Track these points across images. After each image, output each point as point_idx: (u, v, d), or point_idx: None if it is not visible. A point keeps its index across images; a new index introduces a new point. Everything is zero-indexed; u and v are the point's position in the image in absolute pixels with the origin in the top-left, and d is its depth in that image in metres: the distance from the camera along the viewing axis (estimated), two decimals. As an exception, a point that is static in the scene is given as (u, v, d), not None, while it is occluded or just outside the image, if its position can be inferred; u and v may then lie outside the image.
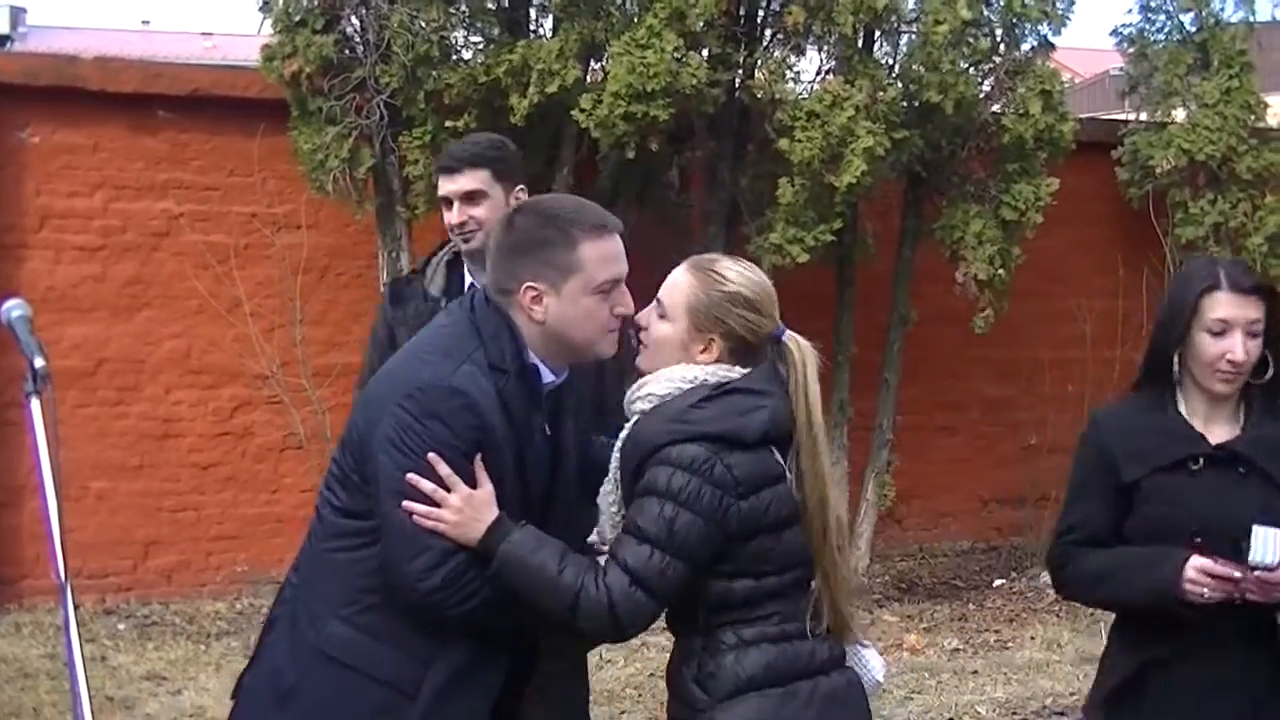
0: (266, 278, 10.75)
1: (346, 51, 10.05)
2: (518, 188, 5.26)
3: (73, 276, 10.57)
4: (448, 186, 5.25)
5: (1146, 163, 11.98)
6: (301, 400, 10.52)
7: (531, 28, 10.48)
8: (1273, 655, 4.17)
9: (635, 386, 3.85)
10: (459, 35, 10.44)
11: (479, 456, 3.66)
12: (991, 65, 10.69)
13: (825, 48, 10.68)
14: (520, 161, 5.50)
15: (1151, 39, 12.14)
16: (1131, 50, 12.25)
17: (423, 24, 9.87)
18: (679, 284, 3.84)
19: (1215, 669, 4.17)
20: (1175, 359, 4.38)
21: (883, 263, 11.17)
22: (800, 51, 10.70)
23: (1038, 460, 12.30)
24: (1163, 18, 12.14)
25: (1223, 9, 12.02)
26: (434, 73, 9.93)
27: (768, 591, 3.71)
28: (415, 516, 3.62)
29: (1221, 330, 4.22)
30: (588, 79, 10.22)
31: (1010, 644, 10.00)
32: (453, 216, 5.22)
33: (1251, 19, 12.18)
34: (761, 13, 10.68)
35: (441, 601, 3.63)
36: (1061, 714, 8.66)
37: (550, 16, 10.33)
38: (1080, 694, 8.81)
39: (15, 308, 3.82)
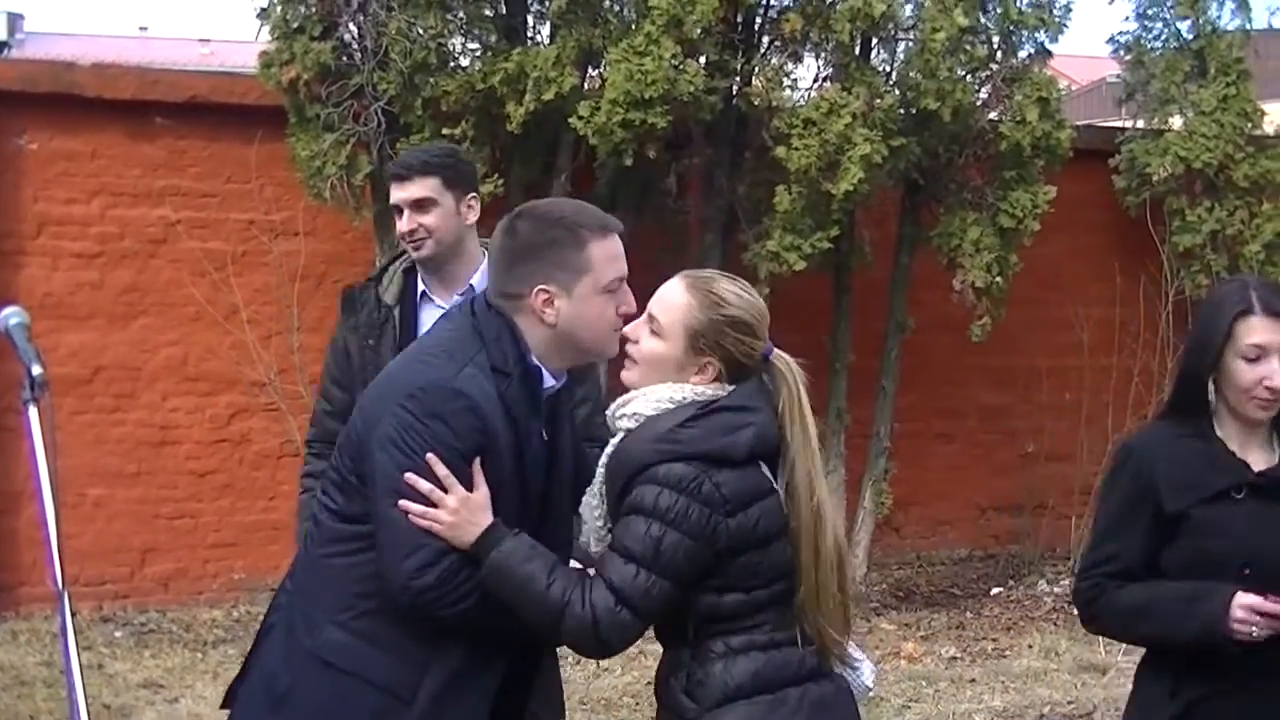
0: (264, 284, 10.75)
1: (344, 58, 10.04)
2: (469, 196, 5.27)
3: (70, 283, 10.56)
4: (398, 194, 5.27)
5: (1143, 170, 11.98)
6: (299, 407, 10.50)
7: (529, 35, 10.48)
8: None
9: (619, 402, 3.84)
10: (456, 42, 10.44)
11: (478, 460, 3.66)
12: (988, 72, 10.70)
13: (822, 55, 10.68)
14: (473, 171, 5.53)
15: (1148, 46, 12.15)
16: (1128, 57, 12.26)
17: (420, 31, 9.87)
18: (677, 303, 3.80)
19: (1263, 704, 4.09)
20: (1209, 385, 4.19)
21: (880, 270, 11.17)
22: (798, 59, 10.71)
23: (1035, 468, 12.32)
24: (1160, 25, 12.15)
25: (1219, 16, 12.04)
26: (431, 80, 9.93)
27: (756, 604, 3.71)
28: (411, 516, 3.62)
29: (1257, 356, 4.09)
30: (585, 86, 10.22)
31: (1008, 652, 9.99)
32: (403, 224, 5.24)
33: (1248, 26, 12.18)
34: (759, 20, 10.69)
35: (434, 601, 3.63)
36: (1059, 722, 8.69)
37: (548, 24, 10.34)
38: (1078, 702, 8.83)
39: (13, 315, 3.82)
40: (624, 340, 3.83)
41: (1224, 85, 11.80)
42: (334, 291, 10.93)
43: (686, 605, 3.67)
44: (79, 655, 3.46)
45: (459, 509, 3.61)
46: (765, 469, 3.73)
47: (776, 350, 3.83)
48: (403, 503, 3.62)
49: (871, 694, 4.05)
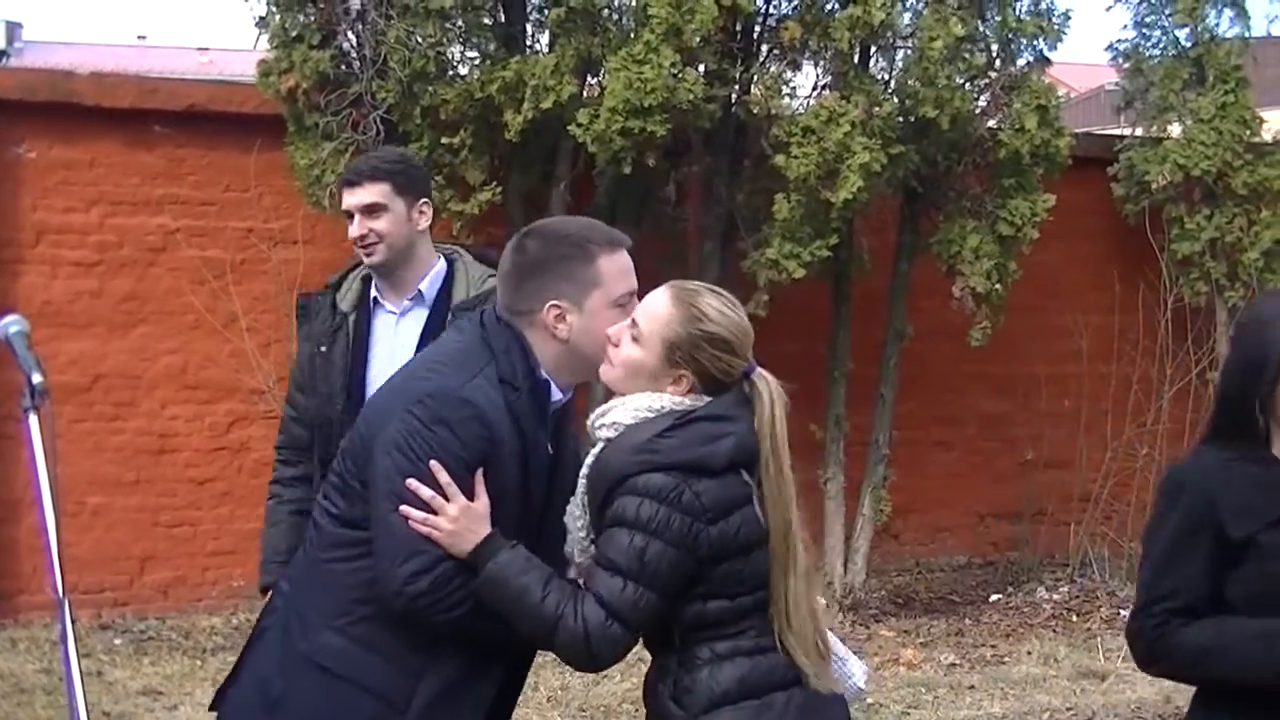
0: (263, 293, 10.76)
1: (343, 67, 10.05)
2: (420, 201, 5.27)
3: (69, 292, 10.56)
4: (348, 200, 5.27)
5: (1142, 178, 12.01)
6: (298, 415, 10.51)
7: (528, 43, 10.48)
8: None
9: (599, 411, 3.84)
10: (455, 51, 10.45)
11: (480, 469, 3.67)
12: (987, 80, 10.71)
13: (821, 63, 10.69)
14: (425, 176, 5.52)
15: (1147, 54, 12.17)
16: (1127, 65, 12.27)
17: (419, 40, 9.88)
18: (659, 314, 3.80)
19: None
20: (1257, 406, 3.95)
21: (879, 278, 11.17)
22: (796, 67, 10.72)
23: (1034, 475, 12.33)
24: (1158, 33, 12.17)
25: (1218, 24, 12.05)
26: (430, 88, 9.94)
27: (741, 610, 3.71)
28: (411, 522, 3.63)
29: None
30: (584, 94, 10.23)
31: (1007, 659, 10.00)
32: (354, 229, 5.25)
33: (1247, 34, 12.19)
34: (758, 28, 10.70)
35: (427, 607, 3.64)
36: (1058, 729, 8.70)
37: (546, 32, 10.34)
38: (1077, 709, 8.83)
39: (13, 323, 3.82)
40: (607, 339, 3.84)
41: (1222, 93, 11.82)
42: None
43: (672, 613, 3.68)
44: (79, 663, 3.46)
45: (459, 518, 3.63)
46: (746, 476, 3.73)
47: (759, 370, 3.82)
48: (403, 508, 3.63)
49: (868, 699, 4.05)
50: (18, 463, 10.04)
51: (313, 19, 10.02)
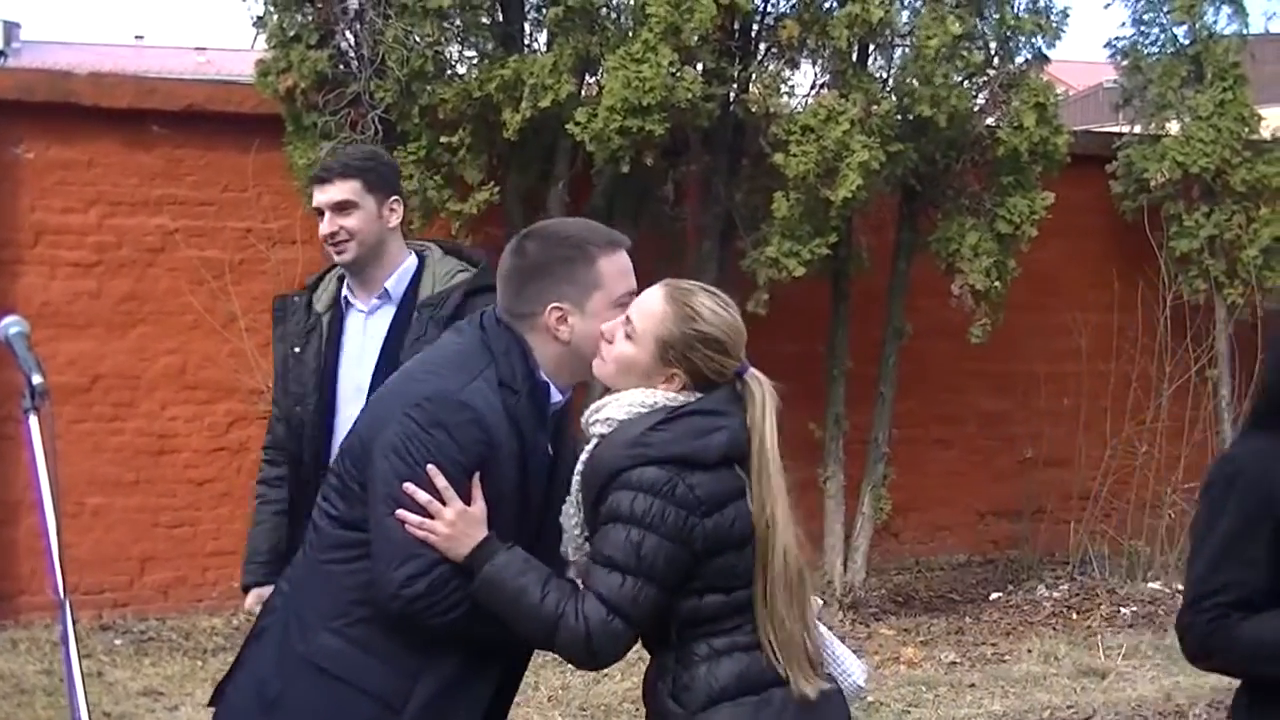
0: (262, 293, 10.74)
1: (341, 67, 10.05)
2: (391, 199, 5.25)
3: (68, 292, 10.56)
4: (319, 197, 5.26)
5: (1141, 175, 12.01)
6: (297, 415, 10.50)
7: (526, 42, 10.48)
8: None
9: (593, 408, 3.84)
10: (453, 50, 10.45)
11: (478, 473, 3.67)
12: (985, 78, 10.71)
13: (819, 61, 10.68)
14: (395, 174, 5.50)
15: (1145, 51, 12.18)
16: (1125, 63, 12.28)
17: (417, 39, 9.88)
18: (652, 311, 3.80)
19: None
20: None
21: (878, 276, 11.17)
22: (795, 65, 10.72)
23: (1034, 473, 12.34)
24: (1156, 30, 12.19)
25: (1216, 21, 12.06)
26: (428, 88, 9.94)
27: (737, 604, 3.71)
28: (407, 526, 3.62)
29: None
30: (582, 93, 10.22)
31: (1007, 657, 9.99)
32: (324, 227, 5.23)
33: (1245, 31, 12.20)
34: (756, 27, 10.70)
35: (424, 610, 3.64)
36: (1059, 727, 8.70)
37: (544, 31, 10.34)
38: (1077, 707, 8.83)
39: (13, 324, 3.82)
40: (602, 335, 3.84)
41: (1221, 90, 11.83)
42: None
43: (669, 609, 3.68)
44: (80, 663, 3.46)
45: (456, 522, 3.62)
46: (739, 470, 3.73)
47: (752, 370, 3.83)
48: (400, 512, 3.63)
49: (868, 697, 4.04)
50: (17, 464, 10.04)
51: (310, 19, 10.02)
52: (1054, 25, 10.76)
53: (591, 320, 3.81)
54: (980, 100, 10.78)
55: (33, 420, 3.57)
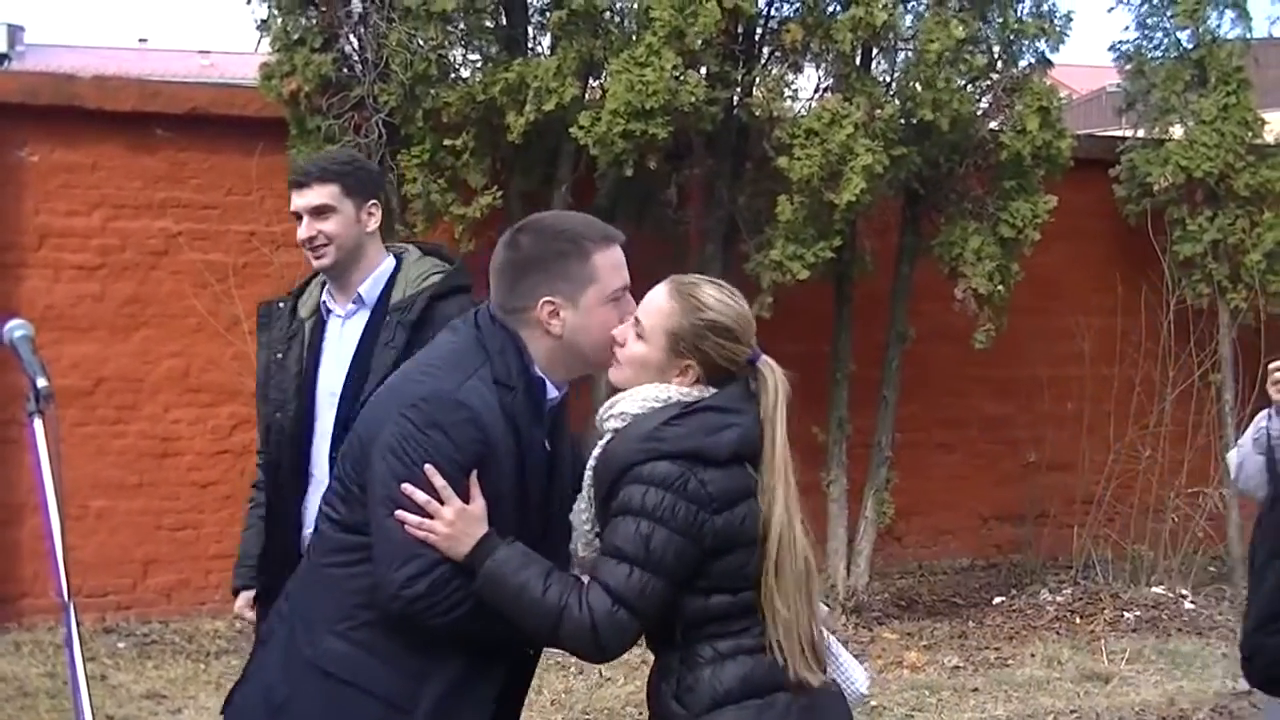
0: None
1: (345, 70, 10.06)
2: (369, 203, 5.21)
3: (71, 295, 10.57)
4: (297, 201, 5.22)
5: (1144, 179, 12.02)
6: (300, 418, 10.50)
7: (529, 46, 10.49)
8: None
9: (607, 404, 3.85)
10: (457, 54, 10.45)
11: (475, 471, 3.66)
12: (989, 82, 10.72)
13: (823, 65, 10.70)
14: (374, 178, 5.47)
15: (1149, 55, 12.18)
16: (1129, 67, 12.29)
17: (421, 42, 9.88)
18: (659, 307, 3.82)
19: None
20: None
21: (881, 280, 11.18)
22: (798, 69, 10.73)
23: (1037, 477, 12.33)
24: (1160, 34, 12.19)
25: (1220, 26, 12.06)
26: (432, 91, 9.95)
27: (743, 606, 3.70)
28: (407, 526, 3.62)
29: None
30: (586, 97, 10.22)
31: (1010, 661, 9.99)
32: (302, 231, 5.19)
33: (1248, 35, 12.21)
34: (760, 31, 10.70)
35: (425, 610, 3.63)
36: (1062, 731, 8.70)
37: (548, 35, 10.34)
38: (1081, 711, 8.83)
39: (17, 327, 3.82)
40: (613, 342, 3.84)
41: (1224, 94, 11.83)
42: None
43: (675, 608, 3.67)
44: (84, 666, 3.46)
45: (455, 521, 3.61)
46: (751, 470, 3.74)
47: (765, 358, 3.83)
48: (399, 513, 3.62)
49: (871, 701, 4.03)
50: (20, 467, 10.05)
51: (314, 22, 10.03)
52: (1057, 29, 10.78)
53: (585, 315, 3.79)
54: (984, 104, 10.80)
55: (37, 423, 3.57)
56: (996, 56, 10.77)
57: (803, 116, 10.33)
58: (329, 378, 5.13)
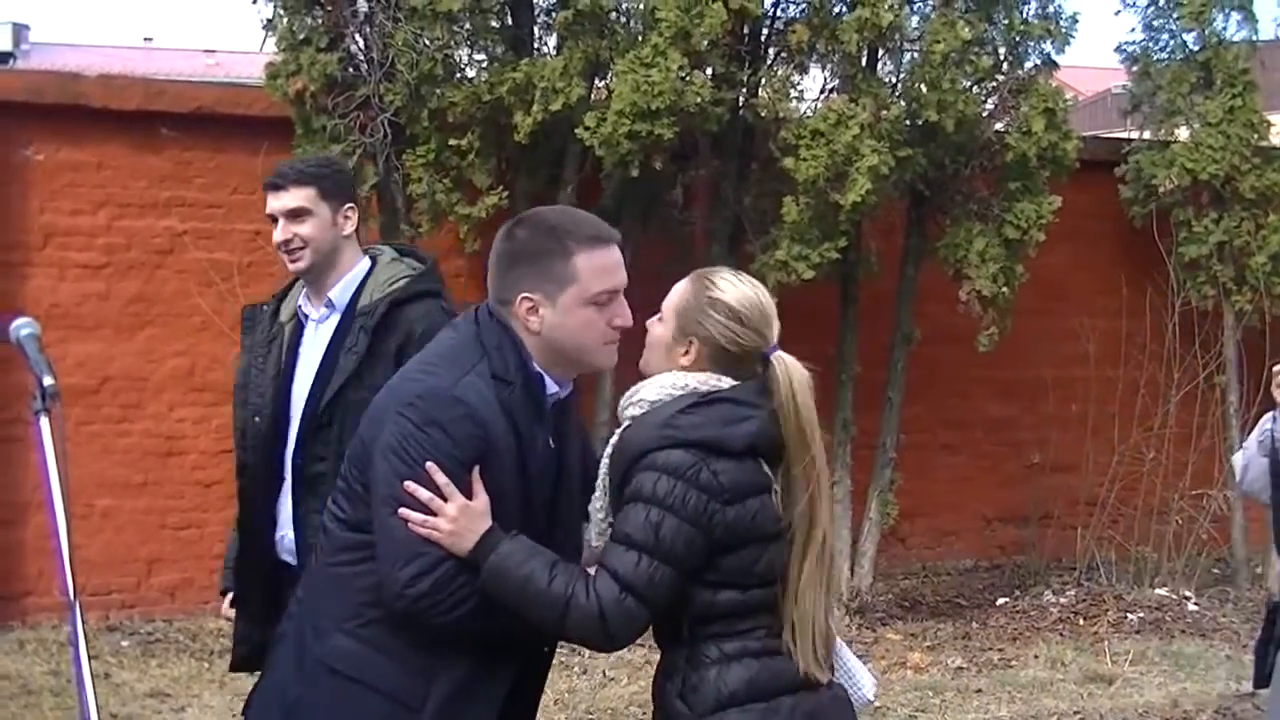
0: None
1: (350, 70, 10.06)
2: (346, 206, 5.18)
3: (76, 294, 10.57)
4: (273, 204, 5.20)
5: (1150, 181, 12.02)
6: (305, 418, 10.50)
7: (535, 46, 10.49)
8: None
9: (629, 392, 3.87)
10: (463, 53, 10.45)
11: (477, 468, 3.66)
12: (994, 83, 10.72)
13: (829, 66, 10.70)
14: (351, 181, 5.45)
15: (1155, 57, 12.19)
16: (1135, 68, 12.29)
17: (426, 42, 9.88)
18: (676, 290, 3.89)
19: None
20: None
21: (886, 281, 11.18)
22: (804, 70, 10.71)
23: (1041, 479, 12.33)
24: (1166, 36, 12.19)
25: (1225, 28, 12.07)
26: (438, 91, 9.94)
27: (752, 605, 3.71)
28: (411, 524, 3.62)
29: None
30: (592, 97, 10.22)
31: (1014, 662, 9.99)
32: (278, 234, 5.18)
33: (1254, 38, 12.22)
34: (765, 31, 10.71)
35: (430, 608, 3.63)
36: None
37: (554, 35, 10.35)
38: (1084, 713, 8.83)
39: (24, 326, 3.81)
40: (607, 340, 3.85)
41: (1230, 97, 11.83)
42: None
43: (682, 602, 3.68)
44: (89, 664, 3.46)
45: (458, 517, 3.61)
46: (766, 467, 3.74)
47: (779, 352, 3.84)
48: (402, 511, 3.62)
49: (875, 705, 4.03)
50: (24, 465, 10.06)
51: (320, 22, 10.03)
52: (1063, 31, 10.78)
53: (564, 315, 3.77)
54: (989, 105, 10.79)
55: (44, 422, 3.56)
56: (1002, 58, 10.77)
57: (808, 117, 10.33)
58: (303, 382, 5.10)
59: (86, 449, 10.36)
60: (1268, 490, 6.26)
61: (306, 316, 5.22)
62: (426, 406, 3.66)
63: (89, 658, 3.47)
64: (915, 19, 10.61)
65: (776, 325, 3.89)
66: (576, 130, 9.84)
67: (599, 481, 3.84)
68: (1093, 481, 12.00)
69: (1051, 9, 10.79)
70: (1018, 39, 10.70)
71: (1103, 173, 12.22)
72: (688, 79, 9.69)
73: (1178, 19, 12.01)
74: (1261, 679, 6.18)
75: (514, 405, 3.73)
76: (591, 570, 3.67)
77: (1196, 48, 12.05)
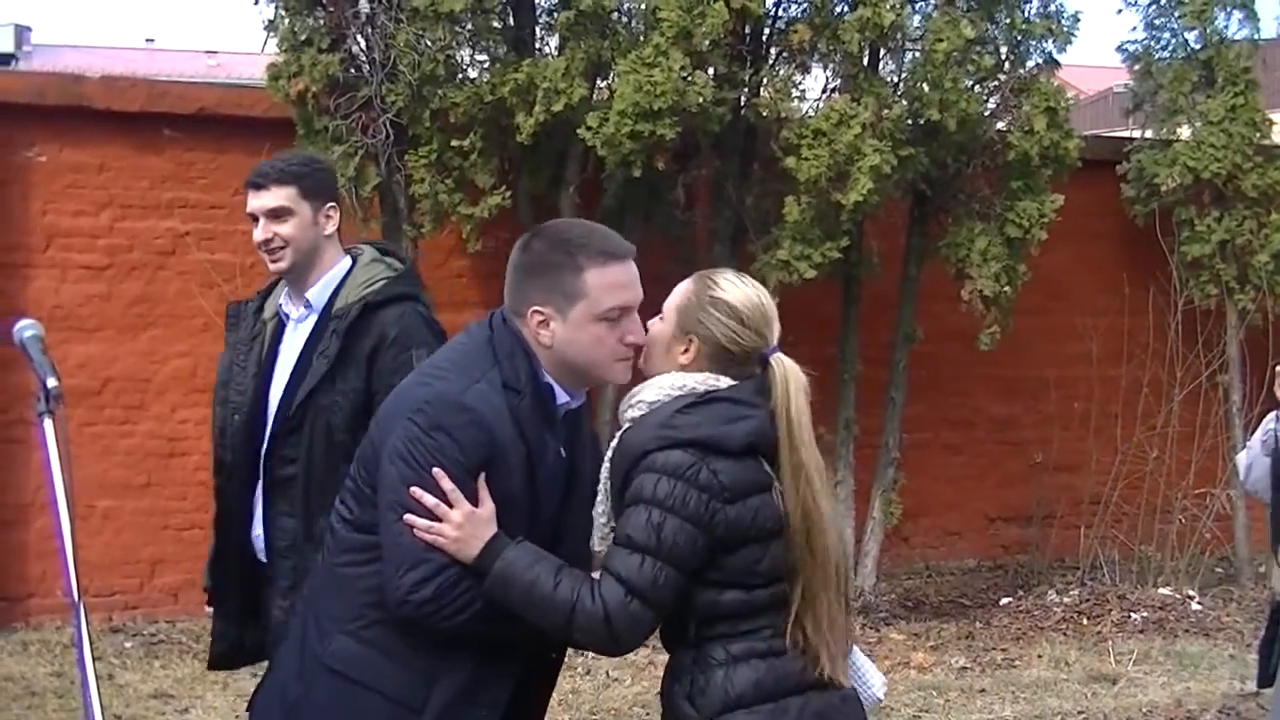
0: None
1: (352, 70, 10.05)
2: (327, 205, 5.14)
3: (79, 295, 10.57)
4: (253, 203, 5.14)
5: (1152, 180, 12.01)
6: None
7: (537, 46, 10.49)
8: None
9: (630, 394, 3.88)
10: (465, 54, 10.44)
11: (483, 475, 3.66)
12: (996, 82, 10.72)
13: (831, 66, 10.70)
14: (332, 179, 5.39)
15: (1156, 56, 12.18)
16: (1137, 67, 12.28)
17: (428, 43, 9.88)
18: (678, 288, 3.91)
19: None
20: None
21: (888, 281, 11.18)
22: (806, 70, 10.71)
23: (1044, 478, 12.33)
24: (1167, 35, 12.18)
25: (1227, 27, 12.06)
26: (440, 91, 9.94)
27: (757, 605, 3.72)
28: (416, 530, 3.62)
29: None
30: (594, 97, 10.21)
31: (1018, 662, 9.99)
32: (258, 233, 5.12)
33: (1256, 36, 12.21)
34: (767, 31, 10.70)
35: (433, 613, 3.63)
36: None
37: (556, 35, 10.35)
38: (1088, 712, 8.82)
39: (28, 327, 3.82)
40: (617, 356, 3.85)
41: (1232, 95, 11.83)
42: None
43: (687, 603, 3.68)
44: (94, 665, 3.46)
45: (463, 524, 3.61)
46: (766, 465, 3.75)
47: (778, 354, 3.85)
48: (407, 517, 3.63)
49: (882, 704, 4.03)
50: (26, 467, 10.07)
51: (322, 22, 10.02)
52: (1065, 30, 10.77)
53: (574, 330, 3.77)
54: (991, 104, 10.79)
55: (47, 424, 3.56)
56: (1004, 57, 10.77)
57: (810, 117, 10.32)
58: (280, 382, 5.07)
59: (89, 450, 10.36)
60: (1270, 490, 6.26)
61: (287, 315, 5.18)
62: (435, 412, 3.66)
63: (93, 659, 3.48)
64: (916, 18, 10.60)
65: (777, 327, 3.90)
66: (578, 130, 9.83)
67: (601, 485, 3.84)
68: (1095, 481, 11.99)
69: (1053, 8, 10.80)
70: (1019, 38, 10.70)
71: (1105, 172, 12.21)
72: (689, 79, 9.69)
73: (1179, 18, 12.00)
74: (1265, 678, 6.17)
75: (523, 414, 3.73)
76: (596, 574, 3.68)
77: (1198, 46, 12.04)
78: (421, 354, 4.69)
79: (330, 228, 5.15)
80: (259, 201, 5.12)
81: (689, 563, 3.62)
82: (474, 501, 3.63)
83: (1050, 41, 10.81)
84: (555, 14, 10.28)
